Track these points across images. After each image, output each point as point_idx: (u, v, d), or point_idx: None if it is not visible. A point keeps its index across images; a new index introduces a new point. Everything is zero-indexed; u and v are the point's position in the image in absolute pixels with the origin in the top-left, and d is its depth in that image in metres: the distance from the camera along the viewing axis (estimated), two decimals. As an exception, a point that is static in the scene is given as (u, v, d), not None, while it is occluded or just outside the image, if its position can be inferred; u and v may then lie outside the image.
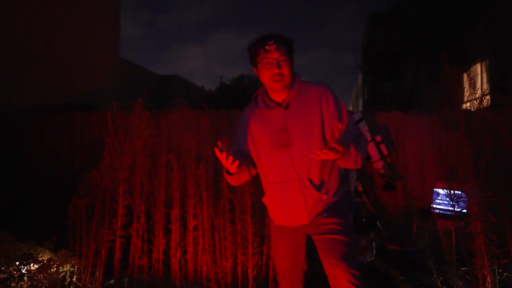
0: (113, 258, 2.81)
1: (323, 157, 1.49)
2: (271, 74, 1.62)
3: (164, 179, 2.91)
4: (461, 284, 2.56)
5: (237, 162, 1.53)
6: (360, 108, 21.27)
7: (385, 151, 3.68)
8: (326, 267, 1.63)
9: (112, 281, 2.89)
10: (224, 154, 1.50)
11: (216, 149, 1.51)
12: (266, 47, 1.60)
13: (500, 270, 2.28)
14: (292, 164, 1.63)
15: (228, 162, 1.51)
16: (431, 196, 3.66)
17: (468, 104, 2.52)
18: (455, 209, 2.51)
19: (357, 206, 3.79)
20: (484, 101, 2.38)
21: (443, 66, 2.28)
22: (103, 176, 2.76)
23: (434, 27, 10.79)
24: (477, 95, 2.35)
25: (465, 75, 2.60)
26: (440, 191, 3.55)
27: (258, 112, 1.74)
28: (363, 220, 3.57)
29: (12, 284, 2.42)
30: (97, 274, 2.74)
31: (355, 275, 1.56)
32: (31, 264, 2.54)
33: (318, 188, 1.64)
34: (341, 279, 1.56)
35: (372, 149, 3.63)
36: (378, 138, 3.68)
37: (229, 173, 1.67)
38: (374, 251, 3.60)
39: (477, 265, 2.24)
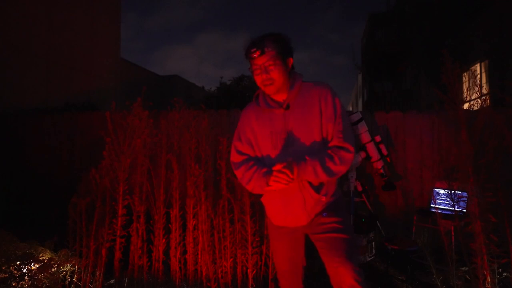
0: (113, 258, 2.82)
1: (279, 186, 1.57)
2: (260, 80, 1.64)
3: (164, 179, 2.91)
4: (461, 283, 2.56)
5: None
6: (360, 108, 21.26)
7: (384, 151, 3.68)
8: (329, 266, 1.63)
9: (112, 281, 2.90)
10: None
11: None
12: (250, 55, 1.60)
13: (500, 270, 2.28)
14: None
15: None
16: (430, 196, 3.67)
17: (468, 103, 2.53)
18: (455, 208, 2.52)
19: (356, 206, 3.79)
20: (485, 100, 2.39)
21: (445, 63, 2.27)
22: (102, 176, 2.76)
23: (433, 28, 10.79)
24: (478, 94, 2.36)
25: (465, 75, 2.60)
26: (440, 191, 3.56)
27: (259, 111, 1.74)
28: (363, 220, 3.58)
29: (13, 284, 2.43)
30: (98, 273, 2.74)
31: (359, 272, 1.57)
32: (32, 264, 2.55)
33: (317, 189, 1.64)
34: (346, 276, 1.56)
35: (371, 149, 3.64)
36: (378, 138, 3.68)
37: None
38: (373, 251, 3.60)
39: (477, 264, 2.24)
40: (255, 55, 1.59)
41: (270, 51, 1.59)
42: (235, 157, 1.79)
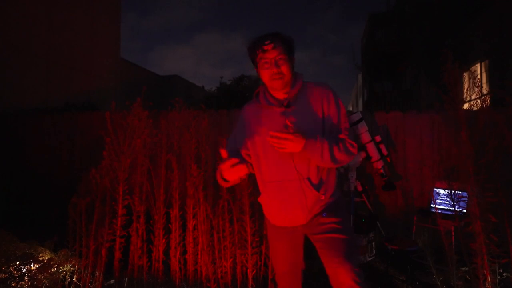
0: (113, 258, 2.81)
1: (279, 145, 1.53)
2: (270, 73, 1.63)
3: (164, 179, 2.91)
4: (461, 284, 2.56)
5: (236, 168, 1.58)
6: (360, 108, 21.27)
7: (384, 151, 3.69)
8: (328, 266, 1.62)
9: (112, 281, 2.89)
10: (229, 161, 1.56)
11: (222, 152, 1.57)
12: (264, 47, 1.61)
13: (500, 270, 2.28)
14: (293, 163, 1.63)
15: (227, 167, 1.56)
16: (430, 196, 3.66)
17: (468, 103, 2.52)
18: (455, 208, 2.52)
19: (356, 206, 3.79)
20: (485, 100, 2.39)
21: (446, 63, 2.27)
22: (102, 176, 2.76)
23: (433, 28, 10.80)
24: (479, 94, 2.36)
25: (465, 75, 2.60)
26: (440, 191, 3.56)
27: (259, 109, 1.74)
28: (363, 220, 3.57)
29: (13, 284, 2.42)
30: (97, 274, 2.74)
31: (358, 273, 1.57)
32: (32, 264, 2.55)
33: (317, 187, 1.64)
34: (345, 277, 1.56)
35: (371, 149, 3.64)
36: (378, 138, 3.68)
37: (224, 180, 1.67)
38: (373, 251, 3.60)
39: (477, 265, 2.24)
40: (268, 48, 1.60)
41: (280, 46, 1.62)
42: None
